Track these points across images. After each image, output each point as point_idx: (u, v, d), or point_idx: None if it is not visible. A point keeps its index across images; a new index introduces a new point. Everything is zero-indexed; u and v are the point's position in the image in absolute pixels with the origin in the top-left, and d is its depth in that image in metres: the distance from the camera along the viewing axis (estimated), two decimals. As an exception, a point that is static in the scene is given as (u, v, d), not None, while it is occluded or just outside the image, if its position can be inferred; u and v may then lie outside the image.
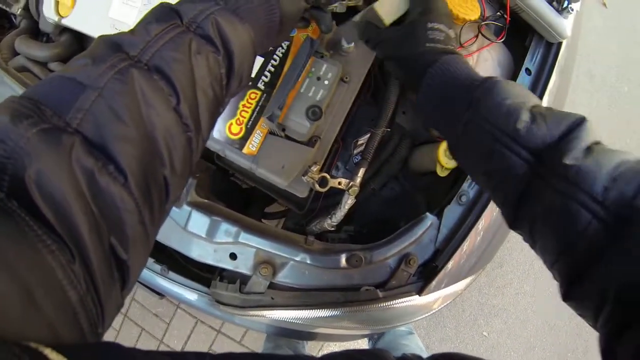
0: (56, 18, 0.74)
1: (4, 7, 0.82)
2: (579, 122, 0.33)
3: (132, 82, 0.27)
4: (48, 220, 0.21)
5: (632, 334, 0.25)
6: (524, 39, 0.69)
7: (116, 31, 0.30)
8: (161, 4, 0.34)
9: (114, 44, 0.29)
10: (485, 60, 0.66)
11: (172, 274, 0.71)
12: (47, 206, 0.21)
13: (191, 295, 0.73)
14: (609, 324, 0.28)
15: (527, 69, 0.67)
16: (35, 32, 0.84)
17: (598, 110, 1.78)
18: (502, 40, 0.64)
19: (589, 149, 0.32)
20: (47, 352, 0.15)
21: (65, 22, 0.74)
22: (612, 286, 0.27)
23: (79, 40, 0.81)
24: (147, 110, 0.27)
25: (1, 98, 0.76)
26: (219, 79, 0.34)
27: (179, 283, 0.72)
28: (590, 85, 1.80)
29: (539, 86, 0.67)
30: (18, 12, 0.82)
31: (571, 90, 1.74)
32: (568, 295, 0.32)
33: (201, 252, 0.63)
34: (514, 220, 0.37)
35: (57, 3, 0.73)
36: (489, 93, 0.36)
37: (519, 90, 0.37)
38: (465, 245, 0.63)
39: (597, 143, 0.32)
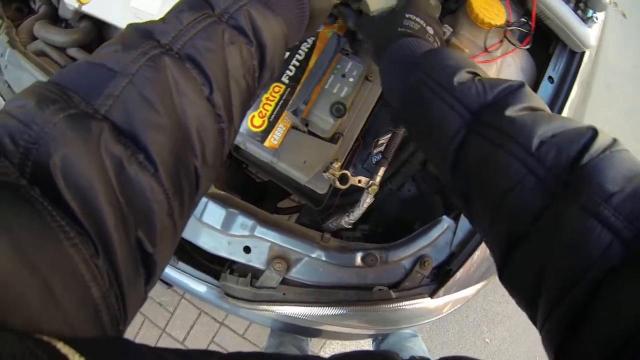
0: (76, 5, 0.74)
1: (24, -8, 0.82)
2: (519, 84, 0.33)
3: (164, 69, 0.26)
4: (72, 211, 0.20)
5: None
6: (547, 46, 0.69)
7: (138, 20, 0.29)
8: None
9: (145, 31, 0.28)
10: (509, 65, 0.65)
11: (181, 265, 0.71)
12: (72, 195, 0.20)
13: (200, 287, 0.73)
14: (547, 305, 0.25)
15: (549, 77, 0.67)
16: (54, 17, 0.84)
17: (614, 122, 1.77)
18: (527, 46, 0.63)
19: (528, 109, 0.30)
20: (60, 345, 0.14)
21: (86, 9, 0.74)
22: (550, 260, 0.25)
23: (98, 27, 0.81)
24: (180, 98, 0.26)
25: (19, 81, 0.76)
26: (252, 71, 0.33)
27: (187, 274, 0.72)
28: (607, 96, 1.79)
29: (561, 95, 0.66)
30: (38, -3, 0.82)
31: (589, 100, 1.73)
32: (503, 267, 0.30)
33: (214, 244, 0.63)
34: (450, 184, 0.36)
35: (79, -11, 0.73)
36: (433, 55, 0.38)
37: (461, 56, 0.38)
38: (479, 250, 0.63)
39: (539, 109, 0.31)
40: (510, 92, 0.32)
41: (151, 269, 0.25)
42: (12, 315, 0.16)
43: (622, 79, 1.82)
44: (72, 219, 0.20)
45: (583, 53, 0.67)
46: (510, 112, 0.30)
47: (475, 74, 0.36)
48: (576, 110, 0.69)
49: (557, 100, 0.65)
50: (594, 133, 0.27)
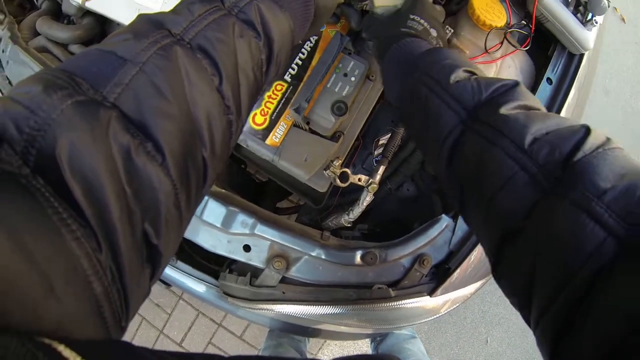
0: (80, 0, 0.74)
1: (27, -12, 0.82)
2: (513, 84, 0.33)
3: (175, 59, 0.25)
4: (76, 201, 0.19)
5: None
6: (546, 48, 0.70)
7: None
8: None
9: (155, 21, 0.28)
10: (509, 66, 0.66)
11: (180, 264, 0.71)
12: (77, 184, 0.19)
13: (199, 287, 0.73)
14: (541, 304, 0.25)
15: (548, 79, 0.67)
16: (56, 13, 0.84)
17: (612, 126, 1.78)
18: (526, 48, 0.64)
19: (522, 107, 0.31)
20: (61, 348, 0.14)
21: (89, 4, 0.74)
22: (542, 256, 0.24)
23: (101, 23, 0.81)
24: (190, 88, 0.26)
25: (21, 77, 0.76)
26: (260, 65, 0.33)
27: (187, 273, 0.71)
28: (605, 100, 1.80)
29: (559, 97, 0.67)
30: (41, -7, 0.82)
31: (586, 104, 1.74)
32: (496, 264, 0.29)
33: (214, 242, 0.63)
34: (445, 183, 0.36)
35: (82, -15, 0.73)
36: (432, 54, 0.39)
37: (459, 56, 0.39)
38: (477, 249, 0.63)
39: (534, 107, 0.31)
40: (505, 90, 0.33)
41: (156, 262, 0.25)
42: (13, 312, 0.15)
43: (620, 83, 1.83)
44: (76, 210, 0.19)
45: (582, 55, 0.68)
46: (504, 110, 0.30)
47: (472, 73, 0.37)
48: (574, 113, 0.70)
49: (555, 102, 0.66)
50: (586, 131, 0.27)
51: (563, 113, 0.67)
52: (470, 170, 0.32)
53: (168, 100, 0.24)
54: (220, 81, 0.28)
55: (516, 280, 0.28)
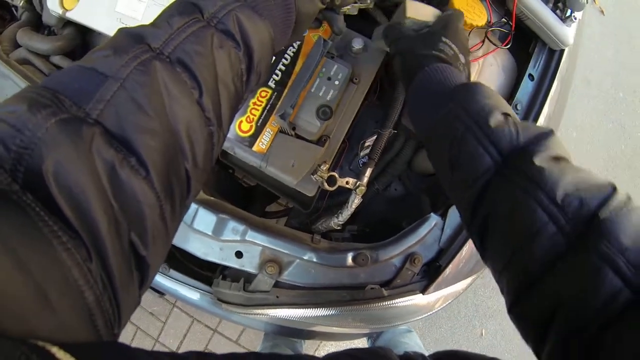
0: (60, 11, 0.73)
1: (5, -1, 0.80)
2: (548, 133, 0.35)
3: (154, 73, 0.26)
4: (64, 215, 0.20)
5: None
6: (527, 45, 0.71)
7: (123, 26, 0.30)
8: None
9: (136, 35, 0.28)
10: (490, 65, 0.67)
11: (172, 272, 0.71)
12: (65, 199, 0.20)
13: (192, 294, 0.73)
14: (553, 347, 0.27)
15: (530, 75, 0.68)
16: (37, 24, 0.83)
17: (594, 116, 1.81)
18: (507, 46, 0.65)
19: (555, 159, 0.33)
20: (55, 350, 0.15)
21: (70, 15, 0.73)
22: (564, 299, 0.27)
23: (83, 34, 0.80)
24: (170, 102, 0.26)
25: (3, 90, 0.75)
26: (240, 75, 0.33)
27: (179, 281, 0.71)
28: (587, 91, 1.84)
29: (541, 92, 0.68)
30: (20, 4, 0.80)
31: (569, 95, 1.77)
32: (515, 304, 0.31)
33: (206, 250, 0.63)
34: (469, 217, 0.37)
35: (62, -4, 0.73)
36: (470, 90, 0.39)
37: (498, 96, 0.39)
38: (467, 246, 0.64)
39: (564, 158, 0.33)
40: (541, 139, 0.34)
41: (144, 272, 0.25)
42: (7, 320, 0.16)
43: (600, 73, 1.87)
44: (65, 223, 0.20)
45: (562, 51, 0.69)
46: (539, 160, 0.32)
47: (508, 114, 0.37)
48: (557, 105, 0.71)
49: (538, 97, 0.67)
50: (612, 190, 0.29)
51: (546, 107, 0.68)
52: (499, 214, 0.33)
53: (148, 115, 0.25)
54: (200, 93, 0.29)
55: (534, 320, 0.30)
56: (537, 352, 0.30)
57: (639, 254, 0.25)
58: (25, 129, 0.20)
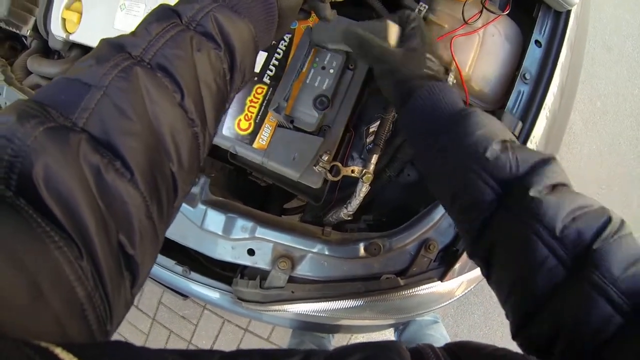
0: (64, 35, 0.76)
1: (14, 30, 0.84)
2: (548, 160, 0.35)
3: (136, 79, 0.27)
4: (55, 217, 0.21)
5: None
6: (530, 10, 0.67)
7: None
8: (161, 5, 0.34)
9: (116, 45, 0.29)
10: (492, 35, 0.64)
11: (193, 275, 0.72)
12: (55, 203, 0.21)
13: (213, 294, 0.74)
14: None
15: (536, 41, 0.65)
16: (46, 50, 0.87)
17: (618, 83, 1.70)
18: (507, 12, 0.62)
19: (554, 187, 0.33)
20: (58, 351, 0.15)
21: (73, 37, 0.76)
22: (564, 325, 0.29)
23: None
24: (152, 106, 0.27)
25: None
26: (222, 74, 0.34)
27: (201, 283, 0.73)
28: (608, 57, 1.73)
29: (550, 58, 0.64)
30: (28, 34, 0.84)
31: (589, 64, 1.66)
32: (519, 330, 0.33)
33: (220, 250, 0.64)
34: (473, 246, 0.38)
35: (63, 20, 0.76)
36: (464, 119, 0.39)
37: (494, 124, 0.39)
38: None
39: (564, 185, 0.34)
40: (539, 167, 0.35)
41: (134, 271, 0.26)
42: (2, 311, 0.17)
43: (621, 38, 1.75)
44: (56, 224, 0.21)
45: (568, 12, 0.65)
46: (538, 192, 0.33)
47: (505, 141, 0.37)
48: (569, 74, 0.67)
49: (547, 64, 0.63)
50: (607, 219, 0.31)
51: (557, 75, 0.64)
52: (503, 245, 0.35)
53: (131, 120, 0.26)
54: (182, 96, 0.29)
55: (537, 344, 0.32)
56: None
57: (629, 282, 0.28)
58: (15, 138, 0.22)
